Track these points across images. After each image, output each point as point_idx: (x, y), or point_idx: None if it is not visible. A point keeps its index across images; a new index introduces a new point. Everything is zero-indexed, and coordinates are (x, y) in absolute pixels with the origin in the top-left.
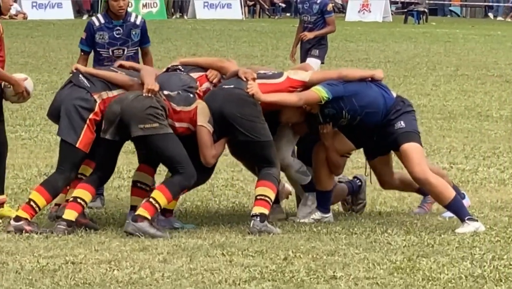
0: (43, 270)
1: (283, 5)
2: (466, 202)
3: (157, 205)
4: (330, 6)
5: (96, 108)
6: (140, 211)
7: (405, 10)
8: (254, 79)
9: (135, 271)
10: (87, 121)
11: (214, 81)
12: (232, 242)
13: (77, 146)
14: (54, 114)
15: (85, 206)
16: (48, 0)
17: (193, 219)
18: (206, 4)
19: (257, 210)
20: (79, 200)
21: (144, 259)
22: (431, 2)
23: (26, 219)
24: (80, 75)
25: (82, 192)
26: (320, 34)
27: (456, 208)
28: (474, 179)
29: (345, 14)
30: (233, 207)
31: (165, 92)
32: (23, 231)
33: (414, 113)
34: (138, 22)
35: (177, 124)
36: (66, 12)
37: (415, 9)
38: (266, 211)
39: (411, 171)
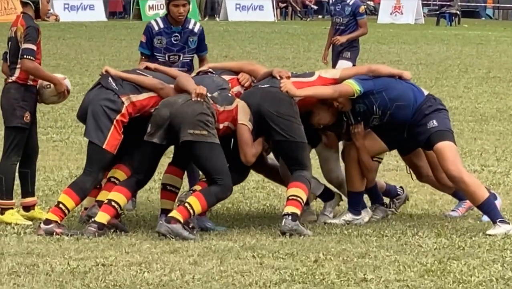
0: (73, 272)
1: (315, 7)
2: (498, 203)
3: (191, 211)
4: (362, 8)
5: (124, 110)
6: (174, 214)
7: (437, 12)
8: (288, 77)
9: (165, 273)
10: (114, 122)
11: (246, 84)
12: (263, 244)
13: (104, 147)
14: (83, 116)
15: (119, 209)
16: (80, 2)
17: (224, 221)
18: (238, 6)
19: (289, 209)
20: (113, 203)
21: (175, 261)
22: (464, 4)
23: (56, 221)
24: (110, 78)
25: (118, 196)
26: (352, 38)
27: (489, 209)
28: (505, 182)
29: (377, 16)
30: (264, 209)
31: (212, 94)
32: (53, 234)
33: (447, 112)
34: (196, 29)
35: (220, 125)
36: (98, 14)
37: (447, 11)
38: (298, 211)
39: (446, 169)
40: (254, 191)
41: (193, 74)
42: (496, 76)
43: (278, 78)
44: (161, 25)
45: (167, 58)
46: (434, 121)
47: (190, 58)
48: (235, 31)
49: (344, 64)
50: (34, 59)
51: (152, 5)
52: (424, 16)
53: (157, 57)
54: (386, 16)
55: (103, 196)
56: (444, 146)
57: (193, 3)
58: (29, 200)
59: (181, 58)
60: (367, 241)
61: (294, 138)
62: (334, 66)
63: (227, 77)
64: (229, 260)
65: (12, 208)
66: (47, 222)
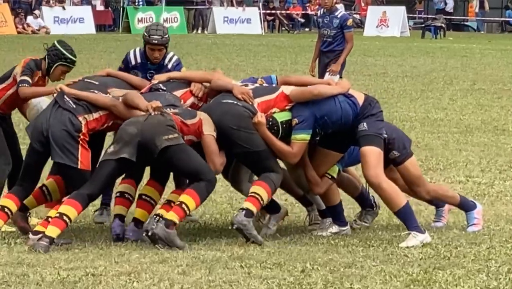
0: (63, 282)
1: (302, 20)
2: (479, 210)
3: (187, 210)
4: (350, 21)
5: (84, 130)
6: (172, 216)
7: (423, 25)
8: (250, 97)
9: (154, 283)
10: (80, 141)
11: (199, 95)
12: (251, 254)
13: (79, 167)
14: (36, 134)
15: (69, 222)
16: (70, 15)
17: (212, 232)
18: (226, 19)
19: (245, 204)
20: (64, 217)
21: (164, 271)
22: (448, 17)
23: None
24: (65, 97)
25: (69, 209)
26: (344, 58)
27: (405, 216)
28: (490, 192)
29: (363, 29)
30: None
31: (173, 109)
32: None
33: (381, 114)
34: (170, 65)
35: (184, 138)
36: (88, 27)
37: (432, 24)
38: (254, 209)
39: (365, 174)
40: (242, 201)
41: (145, 89)
42: (480, 88)
43: (242, 100)
44: (138, 60)
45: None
46: (365, 124)
47: None
48: (223, 43)
49: (330, 77)
50: (29, 85)
51: (141, 18)
52: (409, 29)
53: None
54: (372, 29)
55: (138, 213)
56: (367, 151)
57: (181, 16)
58: None
59: None
60: (353, 251)
61: (257, 148)
62: (321, 78)
63: (179, 92)
64: (217, 270)
65: None
66: (36, 232)
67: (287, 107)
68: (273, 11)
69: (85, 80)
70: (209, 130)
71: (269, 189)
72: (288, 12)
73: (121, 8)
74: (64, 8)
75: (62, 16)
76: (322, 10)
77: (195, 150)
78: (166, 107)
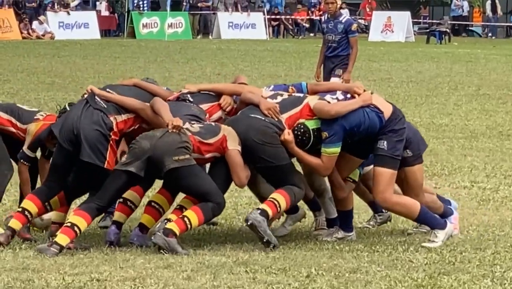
0: (68, 287)
1: (307, 25)
2: (454, 216)
3: (189, 225)
4: (354, 26)
5: (115, 128)
6: (172, 226)
7: (428, 30)
8: (276, 112)
9: (159, 288)
10: (110, 141)
11: (228, 109)
12: (256, 259)
13: (105, 166)
14: (68, 136)
15: (78, 233)
16: (75, 20)
17: (217, 237)
18: (231, 24)
19: (262, 206)
20: (75, 228)
21: (168, 276)
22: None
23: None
24: (96, 97)
25: (79, 220)
26: (352, 64)
27: (425, 220)
28: (495, 198)
29: (368, 34)
30: None
31: (191, 129)
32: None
33: (403, 131)
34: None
35: (207, 155)
36: (93, 32)
37: (437, 29)
38: (270, 212)
39: (374, 195)
40: (247, 206)
41: (173, 97)
42: (485, 94)
43: (268, 115)
44: None
45: None
46: (385, 142)
47: None
48: (228, 49)
49: (336, 81)
50: (27, 164)
51: (146, 24)
52: (414, 34)
53: None
54: (377, 34)
55: (144, 218)
56: (380, 172)
57: (186, 21)
58: None
59: None
60: (358, 256)
61: (281, 162)
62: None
63: (206, 106)
64: (222, 275)
65: None
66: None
67: (314, 117)
68: (277, 16)
69: (107, 90)
70: (233, 145)
71: (289, 199)
72: (292, 17)
73: (126, 13)
74: (69, 13)
75: (67, 21)
76: (326, 15)
77: (220, 164)
78: (189, 120)
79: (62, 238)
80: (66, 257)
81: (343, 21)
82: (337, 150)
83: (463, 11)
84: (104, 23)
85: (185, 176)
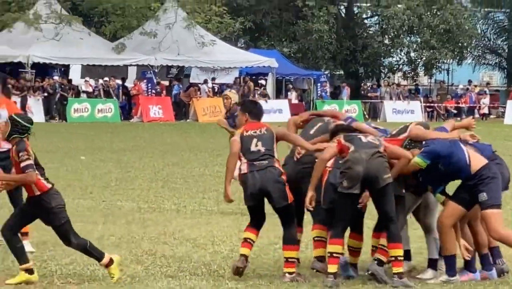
0: None
1: (455, 111)
2: (469, 276)
3: (400, 262)
4: None
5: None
6: (397, 267)
7: None
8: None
9: None
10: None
11: None
12: None
13: (290, 202)
14: (258, 196)
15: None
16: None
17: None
18: (394, 110)
19: (377, 255)
20: (335, 255)
21: None
22: None
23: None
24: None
25: (337, 247)
26: None
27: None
28: None
29: (504, 118)
30: None
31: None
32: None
33: (498, 180)
34: None
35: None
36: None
37: None
38: (384, 259)
39: (489, 234)
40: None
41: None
42: None
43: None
44: None
45: None
46: (485, 194)
47: None
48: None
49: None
50: (34, 172)
51: (77, 108)
52: None
53: None
54: (510, 118)
55: (320, 252)
56: (488, 213)
57: (359, 107)
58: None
59: None
60: None
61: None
62: None
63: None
64: None
65: None
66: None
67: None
68: (432, 104)
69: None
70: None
71: (400, 245)
72: (443, 104)
73: None
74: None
75: None
76: None
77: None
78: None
79: (333, 268)
80: None
81: None
82: (421, 163)
83: None
84: None
85: (391, 192)
